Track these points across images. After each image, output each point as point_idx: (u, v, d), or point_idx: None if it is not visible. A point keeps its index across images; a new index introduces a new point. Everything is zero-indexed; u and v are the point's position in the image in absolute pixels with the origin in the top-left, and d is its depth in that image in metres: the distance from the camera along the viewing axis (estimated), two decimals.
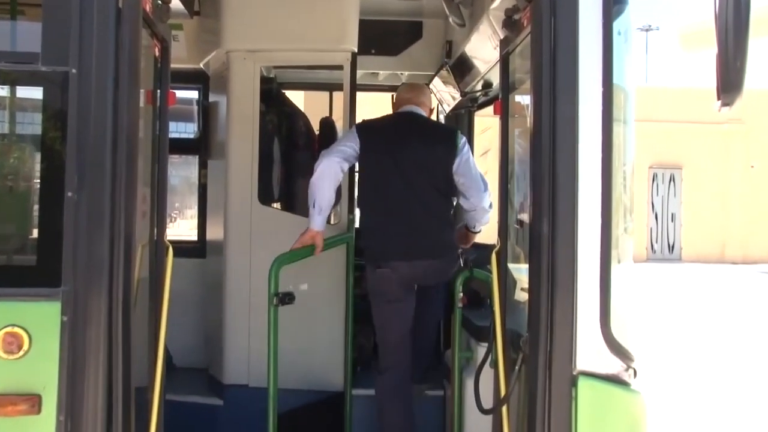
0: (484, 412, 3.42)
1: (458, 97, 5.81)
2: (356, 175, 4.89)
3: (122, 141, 2.50)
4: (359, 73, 4.95)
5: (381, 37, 5.49)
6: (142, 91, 2.72)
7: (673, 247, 25.77)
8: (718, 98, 2.49)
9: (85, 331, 2.44)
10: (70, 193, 2.45)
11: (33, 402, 2.41)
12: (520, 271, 3.21)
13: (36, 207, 2.57)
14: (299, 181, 5.38)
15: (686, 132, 24.66)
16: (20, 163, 2.74)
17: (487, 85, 5.21)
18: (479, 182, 4.23)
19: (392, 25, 5.61)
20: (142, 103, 2.76)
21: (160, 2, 3.03)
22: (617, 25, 2.69)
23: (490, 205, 4.29)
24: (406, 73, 6.02)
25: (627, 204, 2.93)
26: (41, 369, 2.43)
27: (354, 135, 4.19)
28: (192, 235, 6.24)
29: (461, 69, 5.32)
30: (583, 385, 2.60)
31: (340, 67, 4.71)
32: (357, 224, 4.72)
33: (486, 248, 4.56)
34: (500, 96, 3.53)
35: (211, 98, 5.43)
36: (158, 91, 3.18)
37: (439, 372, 4.76)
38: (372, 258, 4.21)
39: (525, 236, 2.99)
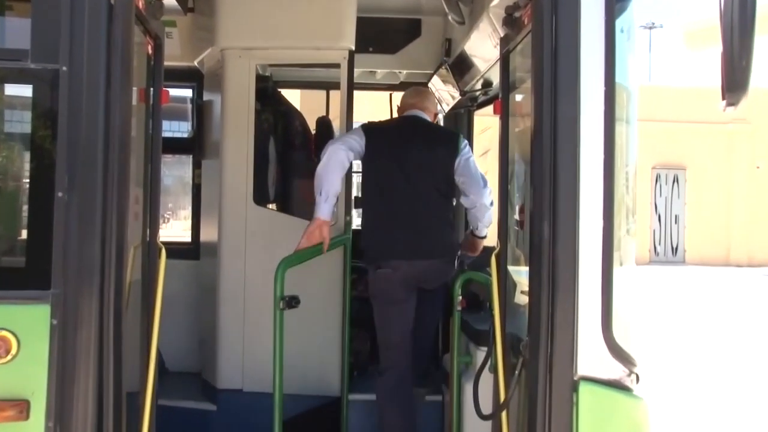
0: (484, 417, 3.42)
1: (457, 96, 5.81)
2: (353, 176, 4.89)
3: (114, 140, 2.49)
4: (356, 71, 4.94)
5: (379, 34, 5.49)
6: (134, 89, 2.71)
7: (676, 249, 25.80)
8: (723, 98, 2.49)
9: (75, 335, 2.43)
10: (60, 194, 2.45)
11: (21, 408, 2.40)
12: (520, 274, 3.21)
13: (25, 207, 2.56)
14: (295, 181, 5.38)
15: (690, 132, 24.69)
16: (9, 163, 2.73)
17: (487, 84, 5.21)
18: (479, 180, 4.31)
19: (390, 22, 5.61)
20: (134, 102, 2.75)
21: None
22: (620, 22, 2.69)
23: (491, 203, 4.34)
24: (404, 71, 6.02)
25: (629, 205, 2.93)
26: (30, 374, 2.42)
27: (360, 132, 4.29)
28: (185, 236, 6.23)
29: (460, 68, 5.32)
30: (585, 391, 2.60)
31: (337, 66, 4.71)
32: (358, 225, 4.72)
33: (485, 250, 4.57)
34: (500, 95, 3.53)
35: (206, 97, 5.42)
36: (151, 89, 3.18)
37: (438, 376, 4.76)
38: (373, 258, 4.27)
39: (525, 238, 2.99)
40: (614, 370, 2.65)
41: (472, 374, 3.83)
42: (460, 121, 6.11)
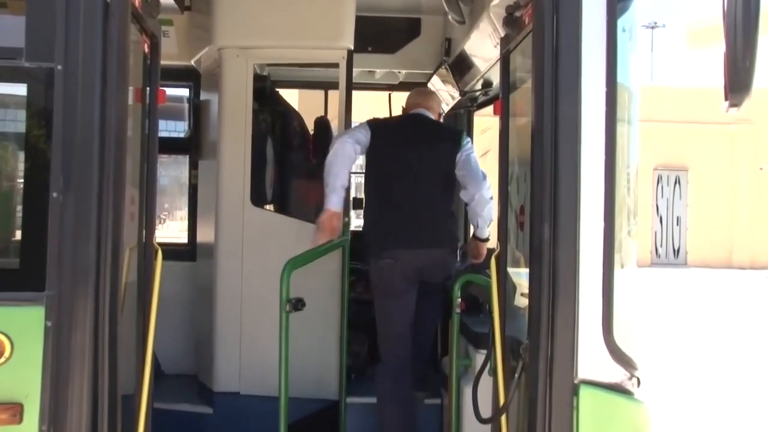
0: (483, 421, 3.42)
1: (457, 96, 5.81)
2: (353, 177, 4.90)
3: (110, 140, 2.49)
4: (355, 71, 4.95)
5: (378, 34, 5.49)
6: (130, 88, 2.71)
7: (678, 251, 25.80)
8: (726, 98, 2.49)
9: (69, 337, 2.43)
10: (55, 194, 2.44)
11: (14, 411, 2.39)
12: (520, 276, 3.21)
13: (19, 208, 2.55)
14: (293, 182, 5.38)
15: (692, 133, 24.70)
16: (3, 163, 2.73)
17: (487, 84, 5.22)
18: (478, 174, 4.41)
19: (389, 21, 5.61)
20: (130, 101, 2.75)
21: None
22: (622, 22, 2.69)
23: (491, 198, 4.40)
24: (404, 71, 6.02)
25: (630, 207, 2.93)
26: (23, 376, 2.41)
27: (366, 126, 4.41)
28: (182, 237, 6.23)
29: (460, 68, 5.32)
30: (585, 394, 2.60)
31: (335, 65, 4.71)
32: (356, 227, 4.72)
33: (486, 252, 4.57)
34: (500, 95, 3.53)
35: (203, 96, 5.42)
36: (147, 88, 3.18)
37: (437, 380, 4.76)
38: (375, 248, 4.36)
39: (525, 240, 2.99)
40: (615, 373, 2.64)
41: (471, 377, 3.83)
42: (460, 121, 6.12)
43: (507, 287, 3.34)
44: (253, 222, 4.69)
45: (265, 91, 5.23)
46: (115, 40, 2.49)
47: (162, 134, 3.51)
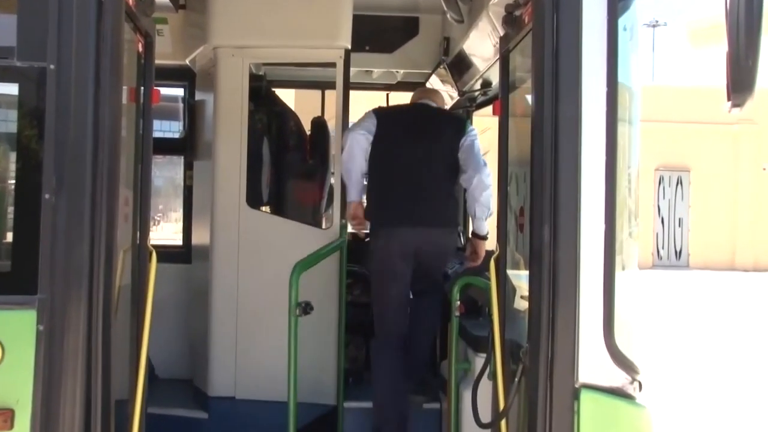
0: (483, 426, 3.42)
1: (456, 96, 5.82)
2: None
3: (103, 141, 2.49)
4: (352, 70, 4.95)
5: (375, 33, 5.50)
6: (124, 88, 2.71)
7: (680, 253, 25.82)
8: (729, 98, 2.49)
9: (62, 341, 2.42)
10: (47, 195, 2.44)
11: (5, 416, 2.39)
12: (520, 278, 3.21)
13: (11, 209, 2.55)
14: (290, 183, 5.38)
15: (694, 133, 24.73)
16: None
17: (486, 84, 5.22)
18: (479, 159, 4.50)
19: (387, 20, 5.62)
20: (124, 101, 2.75)
21: None
22: (623, 21, 2.69)
23: (490, 185, 4.45)
24: (402, 71, 6.03)
25: (632, 208, 2.93)
26: (14, 381, 2.41)
27: (371, 115, 4.59)
28: (177, 239, 6.23)
29: (459, 67, 5.33)
30: (586, 399, 2.60)
31: (332, 65, 4.71)
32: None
33: (485, 254, 4.57)
34: (500, 95, 3.54)
35: (198, 96, 5.42)
36: (142, 88, 3.18)
37: (436, 384, 4.75)
38: (373, 226, 4.55)
39: (525, 242, 2.99)
40: (616, 377, 2.64)
41: (470, 381, 3.83)
42: None
43: (507, 290, 3.34)
44: (249, 224, 4.68)
45: (261, 91, 5.23)
46: (109, 38, 2.49)
47: (156, 134, 3.50)
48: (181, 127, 5.81)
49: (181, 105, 5.85)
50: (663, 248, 25.72)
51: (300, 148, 5.52)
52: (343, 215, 4.63)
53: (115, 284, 2.63)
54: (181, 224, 5.91)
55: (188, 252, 5.40)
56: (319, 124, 5.76)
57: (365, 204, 4.62)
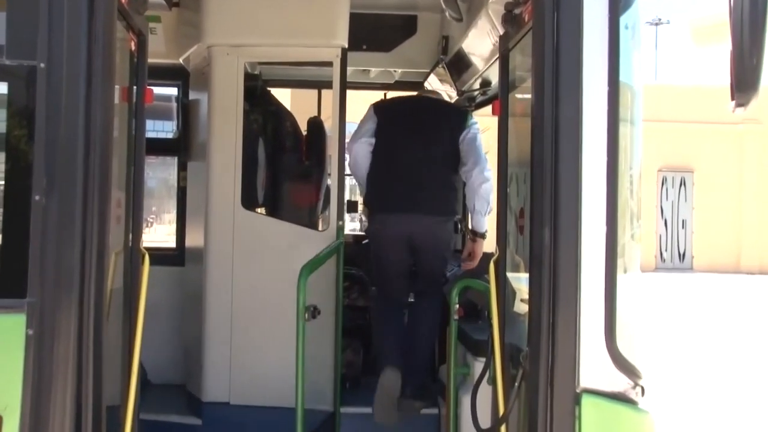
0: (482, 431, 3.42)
1: (455, 96, 5.82)
2: (346, 179, 4.90)
3: (95, 141, 2.49)
4: (349, 70, 4.95)
5: (373, 32, 5.50)
6: (116, 87, 2.71)
7: (683, 255, 25.85)
8: (733, 98, 2.49)
9: (52, 346, 2.42)
10: (37, 197, 2.44)
11: None
12: (520, 281, 3.21)
13: (0, 211, 2.54)
14: (285, 184, 5.38)
15: (698, 133, 24.76)
16: None
17: (486, 83, 5.23)
18: (480, 153, 4.59)
19: (385, 19, 5.62)
20: (116, 101, 2.75)
21: None
22: (624, 19, 2.69)
23: (489, 178, 4.51)
24: (399, 70, 6.03)
25: (634, 209, 2.94)
26: (3, 387, 2.40)
27: (371, 114, 4.69)
28: (170, 241, 6.23)
29: (458, 66, 5.34)
30: (587, 404, 2.60)
31: (329, 64, 4.71)
32: (351, 230, 4.72)
33: (484, 257, 4.57)
34: (499, 95, 3.54)
35: (191, 96, 5.42)
36: (134, 87, 3.17)
37: (434, 389, 4.75)
38: (370, 212, 4.72)
39: (525, 244, 2.99)
40: (618, 382, 2.64)
41: (469, 386, 3.83)
42: None
43: (506, 293, 3.34)
44: (243, 226, 4.68)
45: (256, 91, 5.23)
46: (101, 37, 2.49)
47: (149, 135, 3.50)
48: (175, 128, 5.81)
49: (174, 105, 5.85)
50: (666, 250, 25.75)
51: (296, 149, 5.53)
52: (340, 217, 4.63)
53: (107, 288, 2.62)
54: (174, 226, 5.91)
55: (182, 254, 5.40)
56: (315, 124, 5.76)
57: (368, 188, 4.74)
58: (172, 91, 5.82)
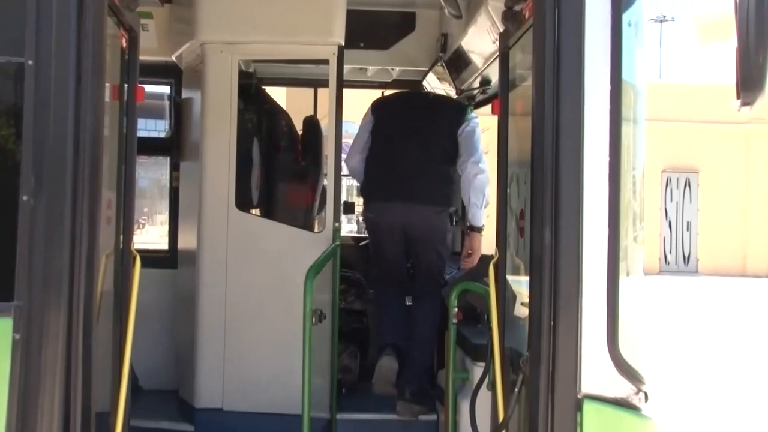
0: None
1: (454, 94, 5.82)
2: (344, 179, 4.91)
3: (85, 140, 2.49)
4: (346, 68, 4.95)
5: (370, 29, 5.50)
6: (107, 85, 2.71)
7: (688, 258, 25.87)
8: (738, 97, 2.50)
9: (40, 351, 2.42)
10: (25, 197, 2.44)
11: None
12: (520, 284, 3.21)
13: None
14: (280, 185, 5.38)
15: (703, 132, 24.78)
16: None
17: (485, 82, 5.23)
18: (477, 147, 4.69)
19: (382, 16, 5.62)
20: (107, 99, 2.75)
21: None
22: (627, 16, 2.69)
23: (485, 170, 4.61)
24: (397, 68, 6.04)
25: (637, 211, 2.94)
26: None
27: (369, 114, 4.86)
28: (162, 243, 6.23)
29: (457, 64, 5.34)
30: (589, 410, 2.60)
31: (325, 62, 4.72)
32: (347, 232, 4.72)
33: (483, 259, 4.57)
34: (499, 94, 3.54)
35: (184, 94, 5.42)
36: (125, 85, 3.18)
37: (433, 394, 4.75)
38: (365, 201, 4.88)
39: (525, 246, 2.99)
40: (621, 387, 2.65)
41: (468, 391, 3.83)
42: None
43: (506, 296, 3.34)
44: (237, 227, 4.68)
45: (250, 89, 5.23)
46: (91, 33, 2.49)
47: (141, 134, 3.50)
48: (167, 126, 5.81)
49: (167, 103, 5.85)
50: (670, 253, 25.76)
51: (291, 149, 5.52)
52: (336, 218, 4.63)
53: (97, 290, 2.62)
54: (166, 227, 5.91)
55: (174, 256, 5.40)
56: (311, 123, 5.76)
57: (364, 178, 4.88)
58: (165, 89, 5.82)
